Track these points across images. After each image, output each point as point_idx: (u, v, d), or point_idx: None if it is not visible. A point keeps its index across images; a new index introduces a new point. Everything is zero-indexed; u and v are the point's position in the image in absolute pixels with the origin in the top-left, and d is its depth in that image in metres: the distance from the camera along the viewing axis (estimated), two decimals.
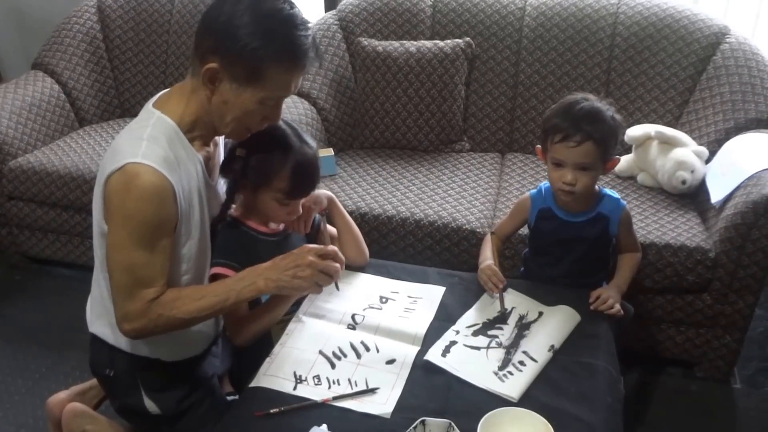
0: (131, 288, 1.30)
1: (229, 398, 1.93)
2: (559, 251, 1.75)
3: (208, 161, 1.42)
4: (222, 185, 1.54)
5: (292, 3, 1.30)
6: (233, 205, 1.58)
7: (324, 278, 1.34)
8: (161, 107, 1.35)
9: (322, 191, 1.71)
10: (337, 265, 1.35)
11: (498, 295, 1.62)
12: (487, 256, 1.74)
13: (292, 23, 1.27)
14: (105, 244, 1.33)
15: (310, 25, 1.31)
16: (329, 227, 1.76)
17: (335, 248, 1.38)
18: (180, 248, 1.37)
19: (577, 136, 1.58)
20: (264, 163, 1.47)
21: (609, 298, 1.62)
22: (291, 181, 1.48)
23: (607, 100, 1.67)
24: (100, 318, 1.46)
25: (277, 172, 1.47)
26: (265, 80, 1.28)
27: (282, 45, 1.26)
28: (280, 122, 1.54)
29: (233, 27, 1.24)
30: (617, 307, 1.61)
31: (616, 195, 1.75)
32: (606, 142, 1.60)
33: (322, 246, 1.37)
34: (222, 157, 1.54)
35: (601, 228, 1.72)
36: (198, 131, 1.37)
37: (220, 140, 1.53)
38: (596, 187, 1.71)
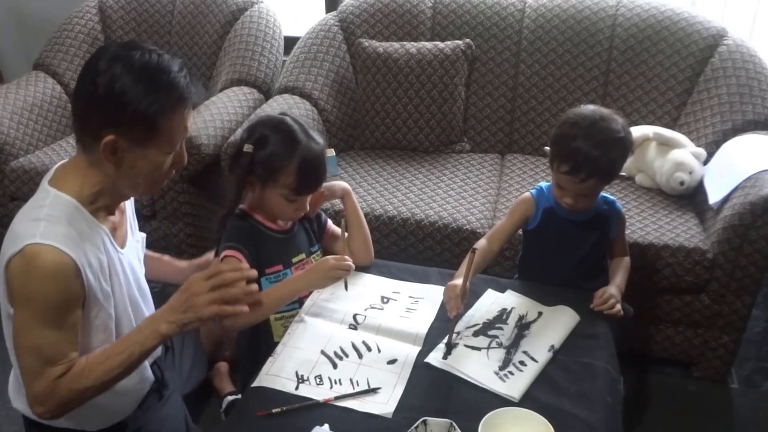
0: (38, 369, 1.27)
1: (231, 398, 1.95)
2: (561, 253, 1.76)
3: (114, 230, 1.39)
4: (138, 246, 1.51)
5: (157, 50, 1.28)
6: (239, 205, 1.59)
7: (218, 297, 1.25)
8: (57, 185, 1.31)
9: (339, 182, 1.72)
10: (231, 276, 1.25)
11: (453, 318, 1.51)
12: (459, 274, 1.61)
13: (166, 69, 1.26)
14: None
15: (179, 62, 1.30)
16: (335, 227, 1.77)
17: (229, 265, 1.29)
18: (92, 320, 1.33)
19: (582, 173, 1.58)
20: (271, 159, 1.48)
21: (611, 297, 1.63)
22: (297, 177, 1.49)
23: (619, 114, 1.65)
24: (19, 393, 1.42)
25: (284, 167, 1.48)
26: (164, 132, 1.26)
27: (167, 93, 1.25)
28: (287, 118, 1.55)
29: (116, 95, 1.22)
30: (618, 307, 1.62)
31: (612, 197, 1.77)
32: (614, 173, 1.62)
33: (210, 268, 1.28)
34: (131, 222, 1.50)
35: (603, 229, 1.74)
36: (101, 202, 1.33)
37: (127, 204, 1.51)
38: None
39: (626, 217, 2.14)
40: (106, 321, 1.36)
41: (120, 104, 1.22)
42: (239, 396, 1.92)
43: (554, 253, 1.77)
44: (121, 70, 1.23)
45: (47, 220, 1.25)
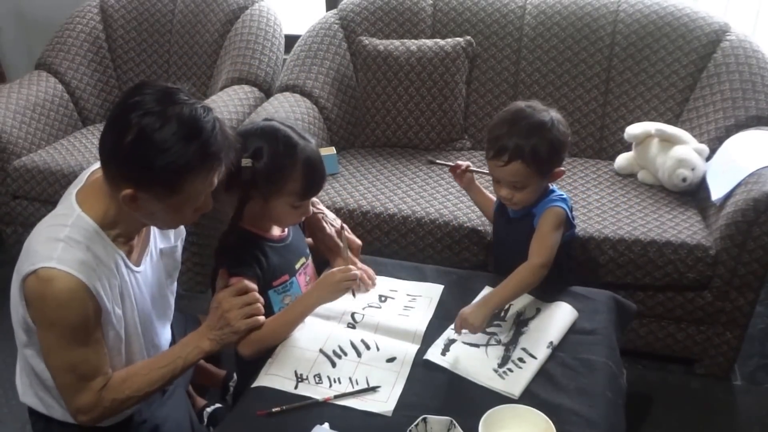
0: (77, 384, 1.30)
1: (209, 409, 1.93)
2: (502, 252, 1.79)
3: (131, 252, 1.38)
4: (152, 273, 1.48)
5: (193, 104, 1.21)
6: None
7: (251, 311, 1.42)
8: (83, 203, 1.30)
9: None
10: (256, 295, 1.43)
11: None
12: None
13: (196, 129, 1.20)
14: (29, 333, 1.33)
15: (212, 120, 1.23)
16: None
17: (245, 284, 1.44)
18: (109, 341, 1.35)
19: (505, 155, 1.57)
20: (273, 169, 1.43)
21: (466, 320, 1.47)
22: (304, 182, 1.46)
23: (554, 109, 1.63)
24: (30, 388, 1.44)
25: (289, 174, 1.44)
26: (187, 191, 1.24)
27: (195, 157, 1.20)
28: (275, 123, 1.50)
29: (140, 156, 1.18)
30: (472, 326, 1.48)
31: (564, 196, 1.67)
32: (539, 159, 1.56)
33: (237, 286, 1.44)
34: (153, 238, 1.47)
35: (529, 225, 1.65)
36: (121, 228, 1.33)
37: None
38: (551, 186, 1.69)
39: (628, 214, 2.14)
40: (117, 343, 1.38)
41: (143, 166, 1.19)
42: (218, 405, 1.92)
43: (499, 255, 1.83)
44: (150, 128, 1.18)
45: (66, 243, 1.25)
